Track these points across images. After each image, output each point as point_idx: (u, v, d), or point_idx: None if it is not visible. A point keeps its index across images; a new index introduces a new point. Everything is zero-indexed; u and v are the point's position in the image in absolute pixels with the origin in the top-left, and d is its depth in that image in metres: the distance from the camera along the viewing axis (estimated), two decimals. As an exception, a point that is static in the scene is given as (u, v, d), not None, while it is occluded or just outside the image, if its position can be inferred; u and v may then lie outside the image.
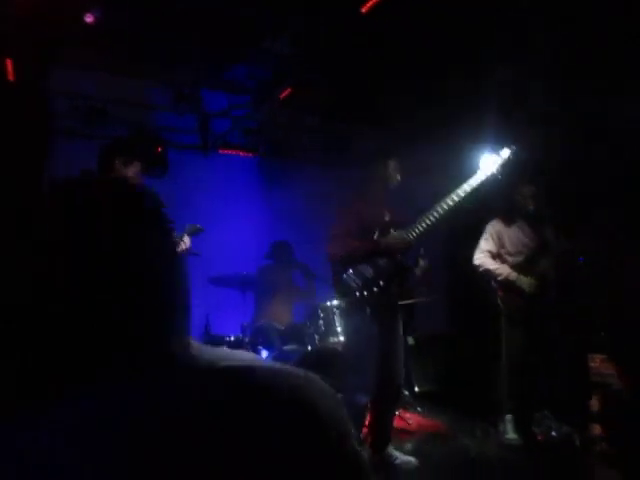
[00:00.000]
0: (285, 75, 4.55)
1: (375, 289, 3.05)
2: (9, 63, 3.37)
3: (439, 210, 3.15)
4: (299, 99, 4.99)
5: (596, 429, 3.47)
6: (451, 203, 3.15)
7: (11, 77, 3.39)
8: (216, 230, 4.23)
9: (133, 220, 0.63)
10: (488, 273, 3.92)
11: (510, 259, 3.93)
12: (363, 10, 3.87)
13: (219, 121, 5.30)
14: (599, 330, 3.96)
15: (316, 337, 4.23)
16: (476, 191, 3.23)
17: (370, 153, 3.55)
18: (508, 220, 4.02)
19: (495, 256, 3.96)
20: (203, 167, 5.20)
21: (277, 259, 4.92)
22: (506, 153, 3.44)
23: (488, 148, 3.47)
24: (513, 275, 3.83)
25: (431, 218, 3.15)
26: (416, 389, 4.67)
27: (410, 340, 4.69)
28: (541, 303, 3.81)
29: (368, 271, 3.08)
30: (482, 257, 3.95)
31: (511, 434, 3.81)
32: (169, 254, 0.67)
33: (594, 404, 3.55)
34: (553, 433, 3.82)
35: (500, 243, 3.97)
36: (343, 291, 3.14)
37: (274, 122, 5.38)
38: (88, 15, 3.85)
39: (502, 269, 3.87)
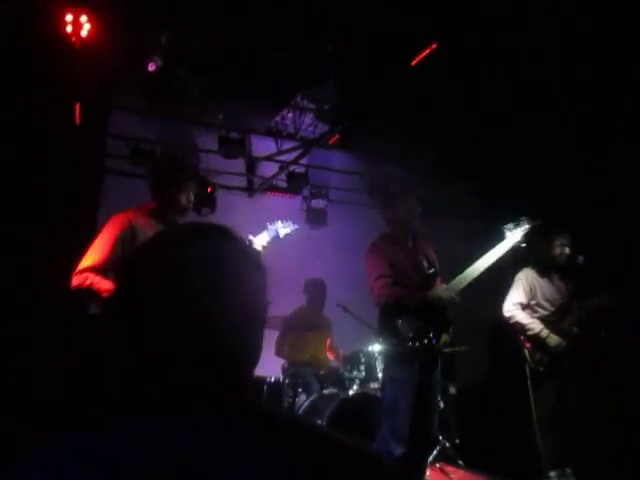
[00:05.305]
0: (334, 122, 4.66)
1: (425, 341, 3.08)
2: (78, 107, 3.57)
3: (474, 272, 3.26)
4: (344, 144, 5.11)
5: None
6: (484, 267, 3.27)
7: (78, 120, 3.59)
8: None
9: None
10: (519, 326, 3.86)
11: (540, 311, 3.89)
12: (412, 63, 4.00)
13: (267, 165, 5.44)
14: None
15: (357, 382, 4.19)
16: (502, 257, 3.37)
17: (386, 193, 3.58)
18: (541, 270, 3.98)
19: (525, 307, 3.91)
20: (250, 208, 5.32)
21: (310, 297, 4.89)
22: (530, 224, 3.49)
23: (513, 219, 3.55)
24: (545, 332, 3.76)
25: (468, 279, 3.25)
26: (457, 441, 4.54)
27: (452, 389, 4.59)
28: (566, 358, 3.75)
29: (420, 323, 3.09)
30: (513, 309, 3.88)
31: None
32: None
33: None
34: None
35: (532, 294, 3.92)
36: (395, 338, 3.11)
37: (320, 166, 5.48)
38: (151, 64, 4.07)
39: (534, 325, 3.80)
